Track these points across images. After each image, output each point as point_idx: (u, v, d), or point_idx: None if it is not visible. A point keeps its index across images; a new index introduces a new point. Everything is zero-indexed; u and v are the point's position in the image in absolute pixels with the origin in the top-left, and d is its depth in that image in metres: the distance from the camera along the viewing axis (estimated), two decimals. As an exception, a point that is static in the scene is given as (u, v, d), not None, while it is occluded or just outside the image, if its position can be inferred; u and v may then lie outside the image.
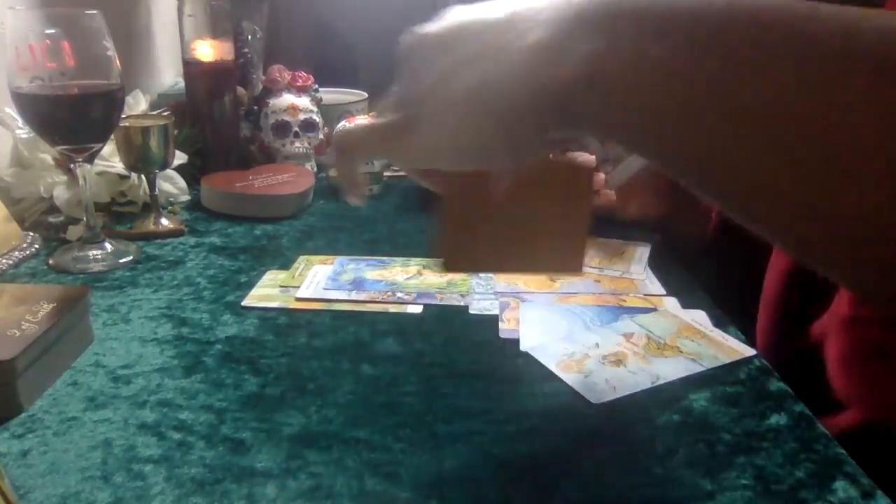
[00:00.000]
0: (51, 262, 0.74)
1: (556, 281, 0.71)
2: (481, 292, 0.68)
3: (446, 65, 0.36)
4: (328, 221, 0.89)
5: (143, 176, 0.85)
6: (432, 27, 0.38)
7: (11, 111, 0.81)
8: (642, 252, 0.78)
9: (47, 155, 0.84)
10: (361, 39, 2.71)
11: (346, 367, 0.56)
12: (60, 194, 0.81)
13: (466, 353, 0.58)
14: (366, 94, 1.24)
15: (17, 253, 0.74)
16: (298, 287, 0.69)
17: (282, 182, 0.92)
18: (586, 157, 0.77)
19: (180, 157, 0.90)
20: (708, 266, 0.85)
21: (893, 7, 0.67)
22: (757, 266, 0.75)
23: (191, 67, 0.97)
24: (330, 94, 1.20)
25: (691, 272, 0.74)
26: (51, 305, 0.54)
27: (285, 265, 0.74)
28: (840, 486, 0.43)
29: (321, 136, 1.06)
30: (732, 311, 0.65)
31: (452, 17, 0.38)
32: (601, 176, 0.78)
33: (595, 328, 0.62)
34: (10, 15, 0.66)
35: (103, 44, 0.68)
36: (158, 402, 0.51)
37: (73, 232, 0.79)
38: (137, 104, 0.95)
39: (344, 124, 0.97)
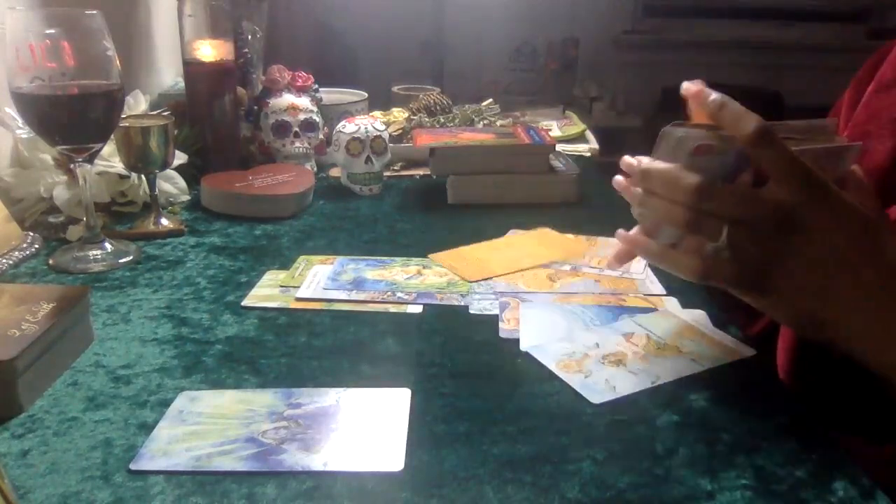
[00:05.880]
0: (51, 262, 0.74)
1: (556, 281, 0.71)
2: (481, 292, 0.68)
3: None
4: (328, 221, 0.89)
5: (143, 176, 0.85)
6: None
7: (11, 111, 0.81)
8: (642, 252, 0.78)
9: (47, 155, 0.84)
10: (361, 40, 2.71)
11: (346, 367, 0.56)
12: (60, 194, 0.81)
13: (466, 353, 0.58)
14: (366, 94, 1.24)
15: (17, 253, 0.74)
16: (298, 287, 0.69)
17: (282, 182, 0.92)
18: None
19: (180, 157, 0.90)
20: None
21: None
22: None
23: (191, 67, 0.97)
24: (330, 94, 1.20)
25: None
26: (51, 305, 0.54)
27: (285, 265, 0.74)
28: (840, 486, 0.43)
29: (321, 136, 1.06)
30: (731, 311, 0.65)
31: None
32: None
33: (595, 328, 0.62)
34: (10, 15, 0.66)
35: (103, 44, 0.68)
36: (158, 402, 0.51)
37: (73, 232, 0.79)
38: (137, 104, 0.95)
39: (344, 124, 0.97)
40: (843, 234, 0.47)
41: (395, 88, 1.37)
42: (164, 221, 0.83)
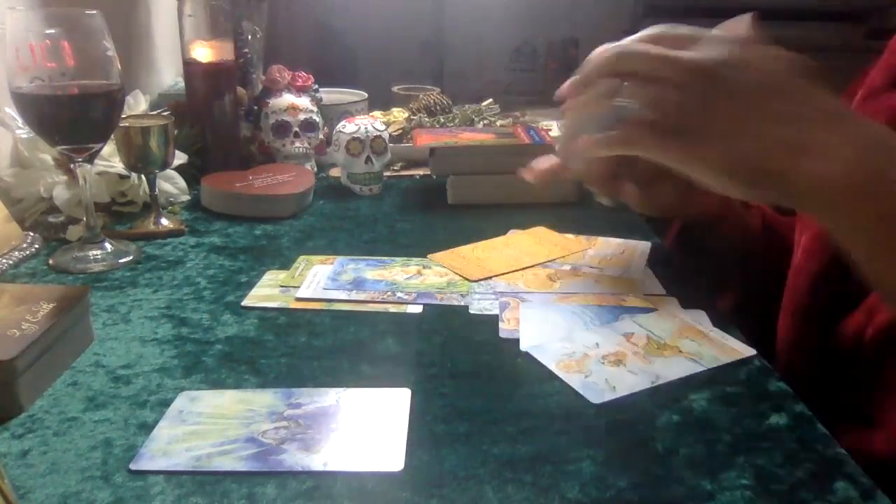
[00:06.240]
0: (51, 262, 0.74)
1: (556, 281, 0.71)
2: (481, 292, 0.68)
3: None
4: (328, 221, 0.89)
5: (143, 176, 0.85)
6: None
7: (11, 111, 0.81)
8: (642, 252, 0.78)
9: (47, 155, 0.84)
10: (361, 40, 2.71)
11: (346, 367, 0.56)
12: (60, 194, 0.81)
13: (466, 353, 0.58)
14: (366, 94, 1.24)
15: (17, 253, 0.74)
16: (298, 287, 0.69)
17: (282, 182, 0.92)
18: None
19: (180, 157, 0.90)
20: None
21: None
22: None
23: (191, 67, 0.97)
24: (330, 94, 1.20)
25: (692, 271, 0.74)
26: (51, 305, 0.54)
27: (285, 265, 0.74)
28: (840, 486, 0.43)
29: (321, 136, 1.06)
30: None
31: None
32: None
33: (595, 328, 0.62)
34: (10, 15, 0.66)
35: (103, 44, 0.68)
36: (158, 402, 0.51)
37: (73, 232, 0.79)
38: (137, 104, 0.95)
39: (344, 124, 0.97)
40: (776, 63, 0.48)
41: (395, 88, 1.37)
42: (164, 221, 0.83)
